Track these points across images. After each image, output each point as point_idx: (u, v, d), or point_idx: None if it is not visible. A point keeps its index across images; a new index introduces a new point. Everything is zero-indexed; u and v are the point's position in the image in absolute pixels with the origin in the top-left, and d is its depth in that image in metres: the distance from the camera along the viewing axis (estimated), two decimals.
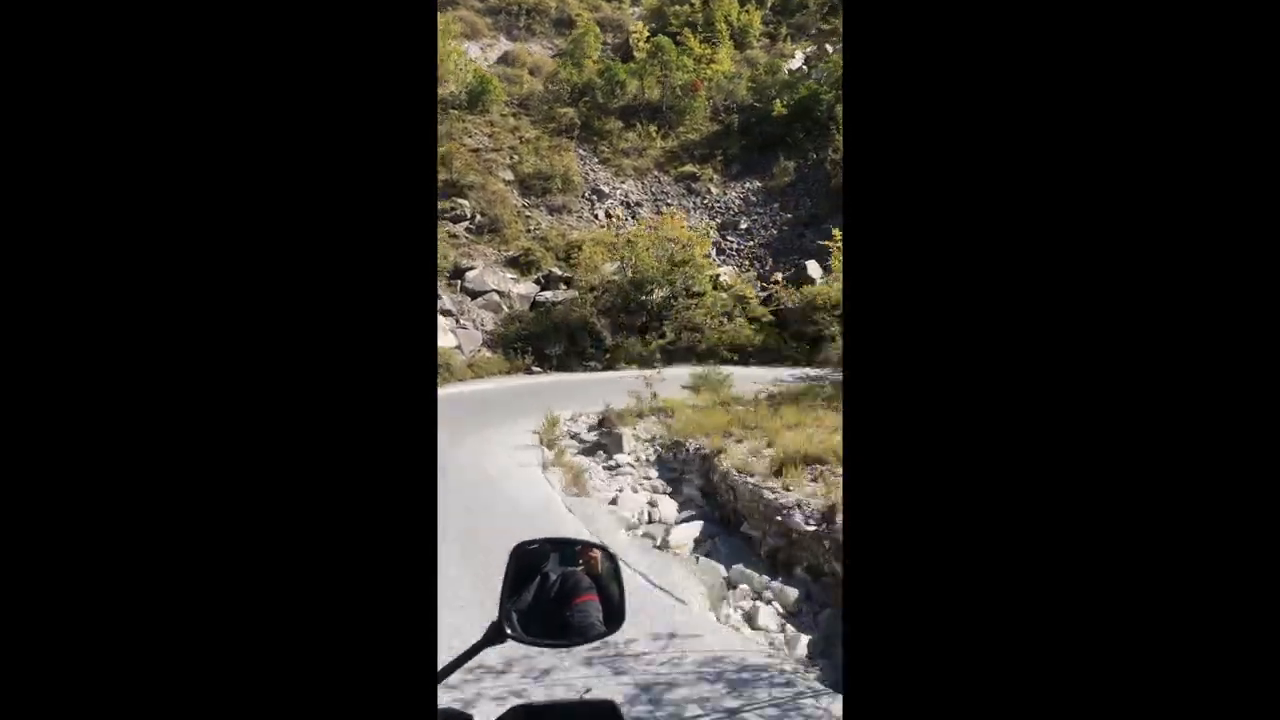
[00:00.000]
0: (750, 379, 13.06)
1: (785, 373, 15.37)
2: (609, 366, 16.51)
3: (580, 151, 23.88)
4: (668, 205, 22.04)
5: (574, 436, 9.01)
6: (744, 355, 17.00)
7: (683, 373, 16.17)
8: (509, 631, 1.01)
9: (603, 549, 1.13)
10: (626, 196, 23.07)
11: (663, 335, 17.27)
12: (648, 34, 26.28)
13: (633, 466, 7.58)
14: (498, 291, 18.05)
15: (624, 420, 8.75)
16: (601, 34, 27.98)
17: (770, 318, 17.58)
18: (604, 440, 8.47)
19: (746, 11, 29.93)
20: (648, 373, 13.00)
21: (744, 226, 21.97)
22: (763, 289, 19.00)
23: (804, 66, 26.57)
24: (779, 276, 19.62)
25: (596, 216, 22.12)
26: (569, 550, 1.13)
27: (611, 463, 7.71)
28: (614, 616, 1.05)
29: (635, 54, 26.00)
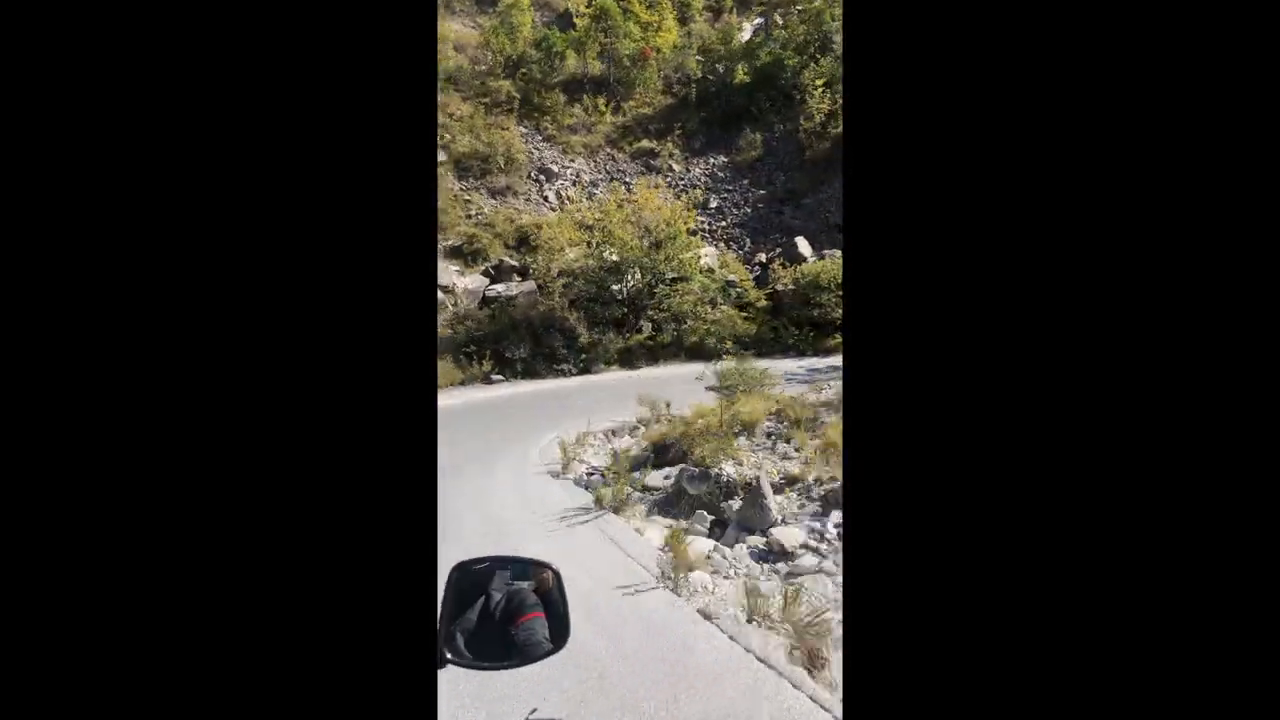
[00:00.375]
0: None
1: (792, 364, 13.12)
2: (585, 370, 13.73)
3: (521, 128, 20.96)
4: (626, 184, 19.44)
5: (603, 474, 5.83)
6: (741, 346, 14.61)
7: (686, 371, 13.66)
8: (448, 656, 0.96)
9: (550, 566, 1.06)
10: (578, 176, 20.33)
11: (639, 330, 14.62)
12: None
13: (824, 555, 3.63)
14: (440, 287, 14.95)
15: (712, 447, 5.30)
16: (531, 10, 25.10)
17: (766, 302, 15.22)
18: (700, 490, 4.81)
19: None
20: (710, 367, 10.04)
21: (714, 205, 19.66)
22: (749, 271, 16.67)
23: (755, 38, 24.60)
24: (763, 257, 17.42)
25: (546, 198, 19.27)
26: (517, 567, 1.07)
27: (761, 544, 3.89)
28: (560, 633, 1.01)
29: (576, 21, 23.29)
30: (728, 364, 9.08)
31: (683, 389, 10.13)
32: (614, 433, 8.13)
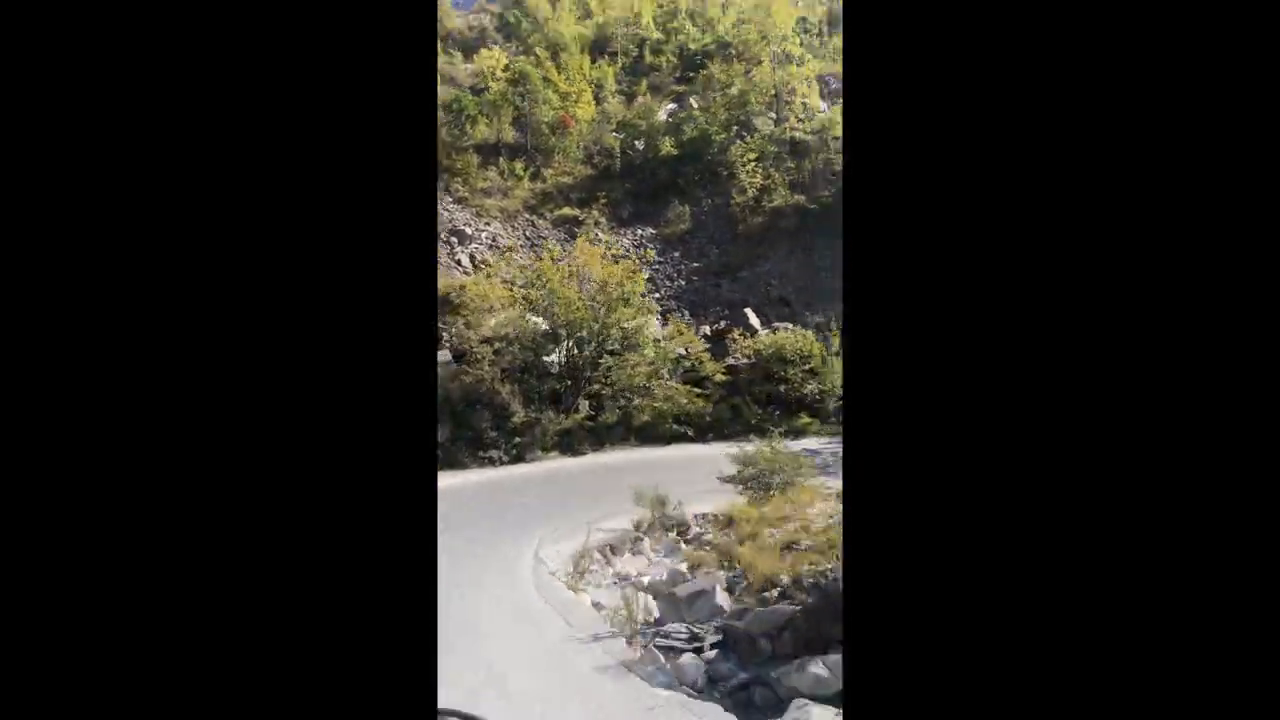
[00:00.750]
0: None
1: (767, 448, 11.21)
2: (519, 457, 11.04)
3: None
4: (549, 251, 17.51)
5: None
6: (700, 429, 12.57)
7: (642, 457, 11.29)
8: None
9: None
10: (494, 240, 18.18)
11: (576, 409, 12.25)
12: (505, 64, 22.36)
13: None
14: None
15: None
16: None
17: (725, 376, 13.41)
18: None
19: (598, 67, 27.69)
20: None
21: (646, 276, 18.08)
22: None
23: (672, 119, 24.31)
24: (708, 329, 15.83)
25: (459, 261, 16.89)
26: None
27: None
28: None
29: (491, 84, 21.83)
30: (752, 447, 6.97)
31: (661, 478, 7.83)
32: (613, 548, 5.62)
